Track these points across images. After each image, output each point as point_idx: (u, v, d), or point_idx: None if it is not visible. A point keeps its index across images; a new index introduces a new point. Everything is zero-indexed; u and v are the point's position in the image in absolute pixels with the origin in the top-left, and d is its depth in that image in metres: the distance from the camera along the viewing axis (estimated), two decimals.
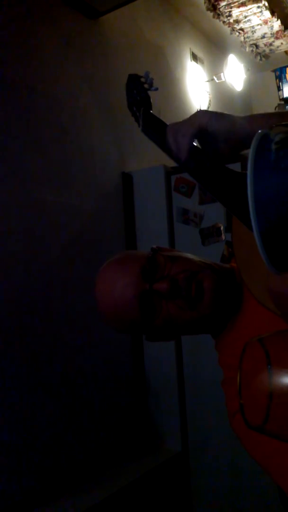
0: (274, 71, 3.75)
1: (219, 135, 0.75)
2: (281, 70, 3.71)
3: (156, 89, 0.97)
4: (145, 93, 0.96)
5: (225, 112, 0.79)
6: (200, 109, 0.82)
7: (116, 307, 0.78)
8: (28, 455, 1.74)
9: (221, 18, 3.06)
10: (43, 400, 1.81)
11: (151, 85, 0.97)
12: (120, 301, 0.77)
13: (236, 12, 2.99)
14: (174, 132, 0.78)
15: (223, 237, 2.15)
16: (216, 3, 2.91)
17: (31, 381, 1.78)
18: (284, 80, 3.70)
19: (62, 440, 1.89)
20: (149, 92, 0.97)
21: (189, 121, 0.77)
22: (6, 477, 1.66)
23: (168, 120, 0.87)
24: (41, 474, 1.79)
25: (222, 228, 2.15)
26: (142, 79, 0.98)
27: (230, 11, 2.98)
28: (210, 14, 3.01)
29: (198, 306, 0.76)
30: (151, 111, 0.93)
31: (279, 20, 3.07)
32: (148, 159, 2.44)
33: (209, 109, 3.18)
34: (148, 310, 0.77)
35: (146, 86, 0.97)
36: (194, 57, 3.25)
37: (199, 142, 0.78)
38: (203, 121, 0.75)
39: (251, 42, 3.42)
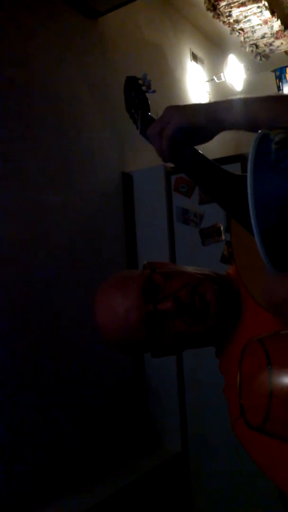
0: (274, 71, 3.75)
1: (198, 129, 0.77)
2: (281, 70, 3.70)
3: (154, 91, 0.96)
4: (143, 95, 0.96)
5: None
6: (169, 108, 0.81)
7: (122, 333, 0.76)
8: (28, 455, 1.74)
9: (221, 18, 3.05)
10: (43, 400, 1.81)
11: (149, 87, 0.96)
12: (125, 327, 0.75)
13: (236, 12, 2.99)
14: (151, 136, 0.80)
15: (223, 237, 2.15)
16: (216, 3, 2.90)
17: (31, 380, 1.78)
18: (284, 80, 3.69)
19: (62, 440, 1.88)
20: (147, 94, 0.97)
21: (163, 122, 0.78)
22: (7, 477, 1.66)
23: None
24: (41, 474, 1.78)
25: (222, 228, 2.15)
26: (140, 81, 0.97)
27: (230, 11, 2.98)
28: (210, 14, 3.01)
29: (204, 319, 0.75)
30: (149, 113, 0.93)
31: (279, 20, 3.06)
32: (148, 159, 2.44)
33: None
34: (156, 331, 0.75)
35: (144, 88, 0.96)
36: (194, 57, 3.25)
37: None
38: (180, 122, 0.76)
39: (251, 42, 3.42)
